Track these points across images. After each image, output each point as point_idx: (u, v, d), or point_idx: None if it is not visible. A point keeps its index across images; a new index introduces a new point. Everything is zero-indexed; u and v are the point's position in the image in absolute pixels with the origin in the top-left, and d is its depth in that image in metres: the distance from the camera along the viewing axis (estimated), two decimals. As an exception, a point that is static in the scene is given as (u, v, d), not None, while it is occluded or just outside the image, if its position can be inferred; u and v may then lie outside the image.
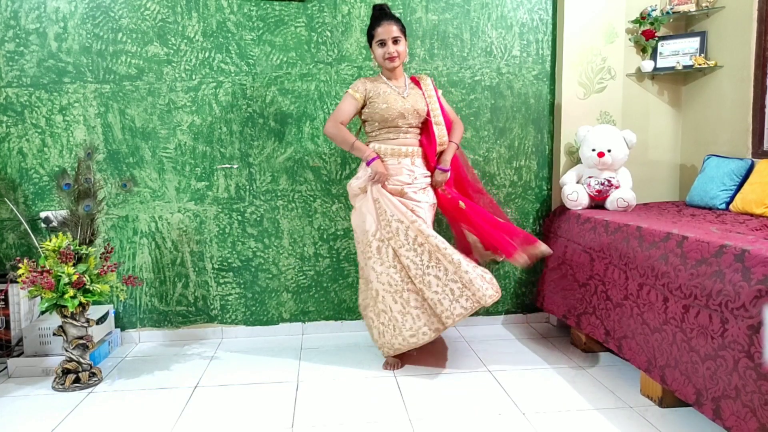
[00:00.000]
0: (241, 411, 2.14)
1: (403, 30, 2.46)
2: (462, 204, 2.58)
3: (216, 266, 2.98)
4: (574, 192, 2.79)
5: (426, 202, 2.52)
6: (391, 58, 2.45)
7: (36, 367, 2.52)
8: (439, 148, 2.55)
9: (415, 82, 2.60)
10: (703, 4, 2.98)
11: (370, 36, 2.49)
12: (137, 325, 2.98)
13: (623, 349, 2.21)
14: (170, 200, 2.92)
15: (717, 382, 1.68)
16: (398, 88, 2.51)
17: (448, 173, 2.57)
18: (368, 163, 2.43)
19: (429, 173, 2.57)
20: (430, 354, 2.68)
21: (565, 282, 2.71)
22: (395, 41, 2.43)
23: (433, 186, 2.59)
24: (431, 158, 2.55)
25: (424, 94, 2.55)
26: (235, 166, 2.94)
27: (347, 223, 2.99)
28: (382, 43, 2.44)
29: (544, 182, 3.15)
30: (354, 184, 2.54)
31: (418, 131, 2.56)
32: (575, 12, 2.97)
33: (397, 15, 2.94)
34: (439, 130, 2.53)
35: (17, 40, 2.76)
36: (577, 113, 3.03)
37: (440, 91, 2.64)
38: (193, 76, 2.87)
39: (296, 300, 3.03)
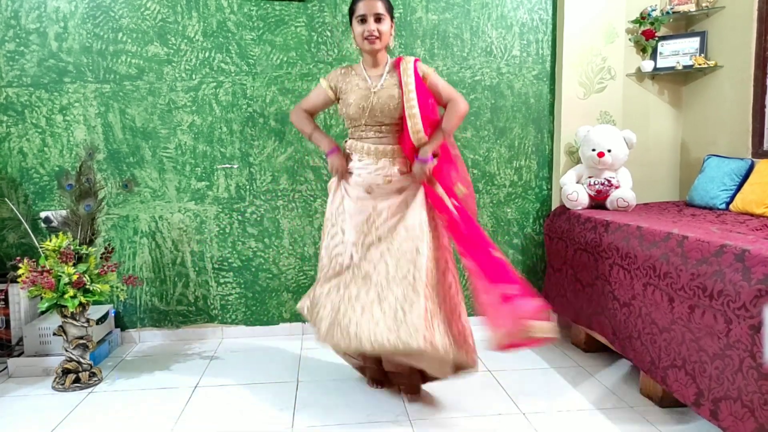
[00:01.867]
0: (241, 411, 2.14)
1: (389, 9, 2.11)
2: (449, 200, 2.18)
3: (216, 266, 2.97)
4: (575, 192, 2.79)
5: (406, 202, 2.18)
6: (371, 39, 2.07)
7: (36, 367, 2.52)
8: (416, 143, 2.15)
9: (397, 66, 2.19)
10: (703, 4, 2.98)
11: (351, 11, 2.13)
12: (137, 324, 2.98)
13: (627, 349, 2.21)
14: (170, 200, 2.93)
15: (722, 382, 1.67)
16: (373, 79, 2.17)
17: (427, 164, 2.13)
18: (327, 155, 2.24)
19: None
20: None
21: (572, 283, 2.70)
22: (378, 19, 2.07)
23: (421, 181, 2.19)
24: (408, 154, 2.19)
25: (401, 82, 2.14)
26: (235, 166, 2.94)
27: (347, 223, 2.99)
28: (363, 20, 2.07)
29: (544, 182, 3.15)
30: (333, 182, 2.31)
31: (397, 127, 2.19)
32: (575, 12, 2.97)
33: (397, 14, 2.95)
34: (413, 123, 2.11)
35: (18, 40, 2.76)
36: (577, 113, 3.03)
37: (431, 70, 2.20)
38: (194, 76, 2.87)
39: (296, 300, 3.03)
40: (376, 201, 2.19)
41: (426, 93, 2.18)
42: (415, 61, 2.19)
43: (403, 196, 2.19)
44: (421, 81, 2.17)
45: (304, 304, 2.26)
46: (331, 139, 2.28)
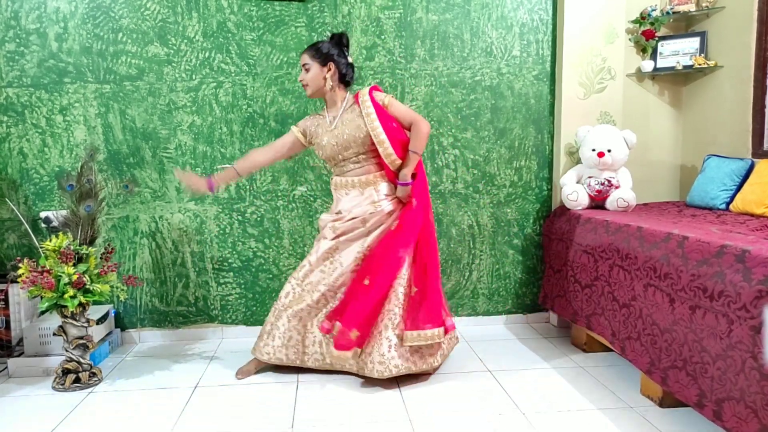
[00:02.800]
0: (241, 411, 2.14)
1: (316, 54, 2.36)
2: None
3: (216, 266, 2.98)
4: (574, 192, 2.79)
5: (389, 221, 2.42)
6: (304, 86, 2.42)
7: (36, 367, 2.52)
8: (391, 167, 2.37)
9: (357, 99, 2.41)
10: (703, 4, 2.99)
11: None
12: (137, 325, 2.98)
13: (627, 350, 2.20)
14: (171, 200, 2.93)
15: (725, 383, 1.67)
16: (333, 118, 2.42)
17: (408, 187, 2.36)
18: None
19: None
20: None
21: (571, 283, 2.70)
22: (305, 69, 2.38)
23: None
24: (390, 178, 2.42)
25: (361, 114, 2.36)
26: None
27: (347, 223, 2.99)
28: None
29: (544, 182, 3.15)
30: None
31: (374, 154, 2.40)
32: (575, 12, 2.97)
33: (397, 15, 2.95)
34: (383, 149, 2.33)
35: (18, 41, 2.76)
36: (577, 113, 3.03)
37: (387, 98, 2.38)
38: (194, 77, 2.88)
39: (296, 300, 3.03)
40: (369, 232, 2.40)
41: (389, 117, 2.38)
42: (371, 90, 2.40)
43: (393, 217, 2.41)
44: (381, 107, 2.37)
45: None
46: (213, 177, 2.47)
